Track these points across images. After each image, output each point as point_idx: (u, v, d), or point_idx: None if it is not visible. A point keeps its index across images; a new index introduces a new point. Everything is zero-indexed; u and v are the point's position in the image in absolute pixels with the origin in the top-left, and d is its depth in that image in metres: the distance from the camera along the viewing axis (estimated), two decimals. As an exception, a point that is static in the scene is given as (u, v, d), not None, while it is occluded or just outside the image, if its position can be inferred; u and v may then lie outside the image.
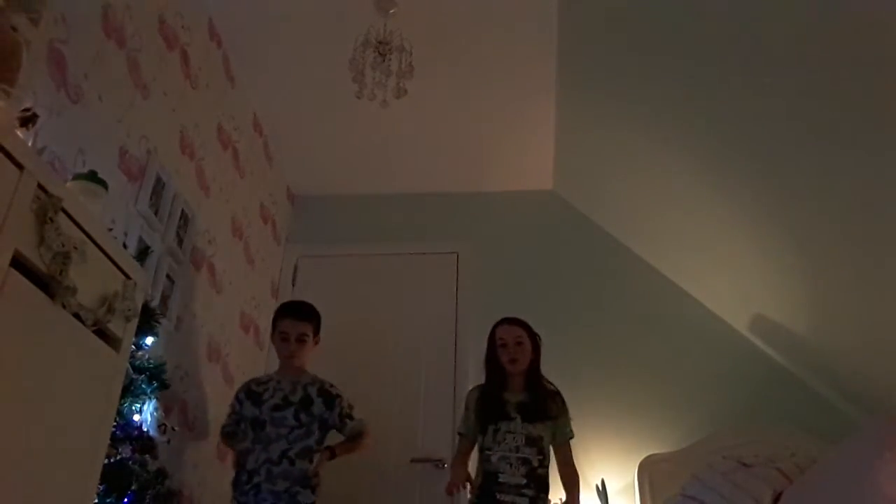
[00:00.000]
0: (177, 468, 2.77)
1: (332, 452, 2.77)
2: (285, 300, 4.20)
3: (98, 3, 2.29)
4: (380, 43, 2.91)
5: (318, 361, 4.27)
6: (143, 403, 2.06)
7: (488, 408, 2.75)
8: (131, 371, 1.94)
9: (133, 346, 1.89)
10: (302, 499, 2.59)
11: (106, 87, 2.34)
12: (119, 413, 1.85)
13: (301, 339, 2.82)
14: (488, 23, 3.20)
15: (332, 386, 2.85)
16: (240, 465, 2.66)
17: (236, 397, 2.83)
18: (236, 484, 2.64)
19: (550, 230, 4.27)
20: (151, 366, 2.12)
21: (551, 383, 2.85)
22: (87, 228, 1.50)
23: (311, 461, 2.65)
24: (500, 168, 4.23)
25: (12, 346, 1.29)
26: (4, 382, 1.27)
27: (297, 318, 2.85)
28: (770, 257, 3.12)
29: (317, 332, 2.90)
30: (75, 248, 1.42)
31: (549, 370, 2.91)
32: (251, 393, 2.79)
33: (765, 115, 2.53)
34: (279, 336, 2.84)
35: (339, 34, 3.14)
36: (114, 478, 1.81)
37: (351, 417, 2.81)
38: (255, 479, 2.58)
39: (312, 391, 2.80)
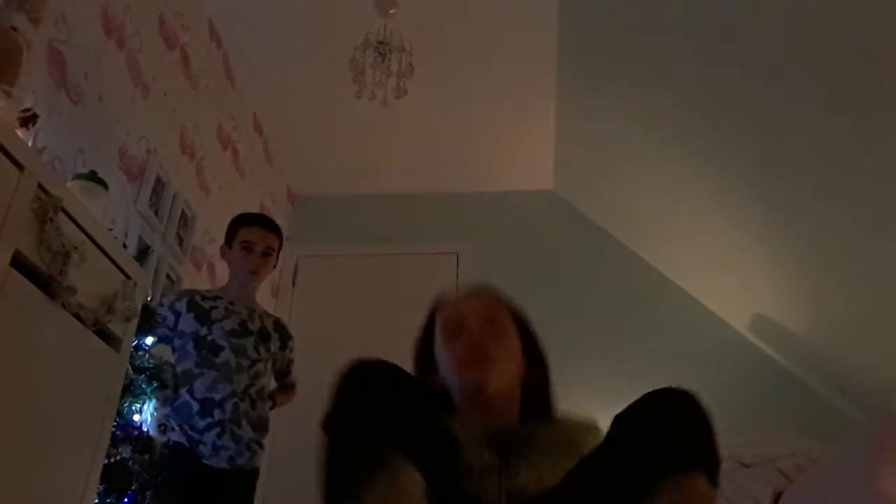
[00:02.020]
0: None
1: (273, 401, 2.43)
2: (285, 301, 4.23)
3: (98, 3, 2.29)
4: (380, 43, 2.91)
5: (316, 361, 4.26)
6: (143, 403, 2.06)
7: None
8: (131, 371, 1.94)
9: (133, 346, 1.89)
10: (257, 461, 2.27)
11: (106, 87, 2.34)
12: (119, 413, 1.85)
13: (267, 253, 2.36)
14: (488, 23, 3.20)
15: (286, 323, 2.51)
16: (179, 387, 2.22)
17: (171, 307, 2.28)
18: (181, 412, 2.17)
19: (550, 230, 4.27)
20: (151, 366, 2.12)
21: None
22: (87, 228, 1.50)
23: (267, 406, 2.34)
24: (500, 168, 4.23)
25: (12, 346, 1.29)
26: (4, 382, 1.27)
27: (265, 227, 2.40)
28: (771, 257, 3.12)
29: (279, 251, 2.45)
30: (75, 248, 1.42)
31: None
32: (195, 305, 2.28)
33: (766, 116, 2.53)
34: (240, 246, 2.34)
35: (339, 34, 3.14)
36: (114, 478, 1.80)
37: (292, 363, 2.51)
38: (218, 415, 2.15)
39: (269, 324, 2.41)
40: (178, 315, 2.27)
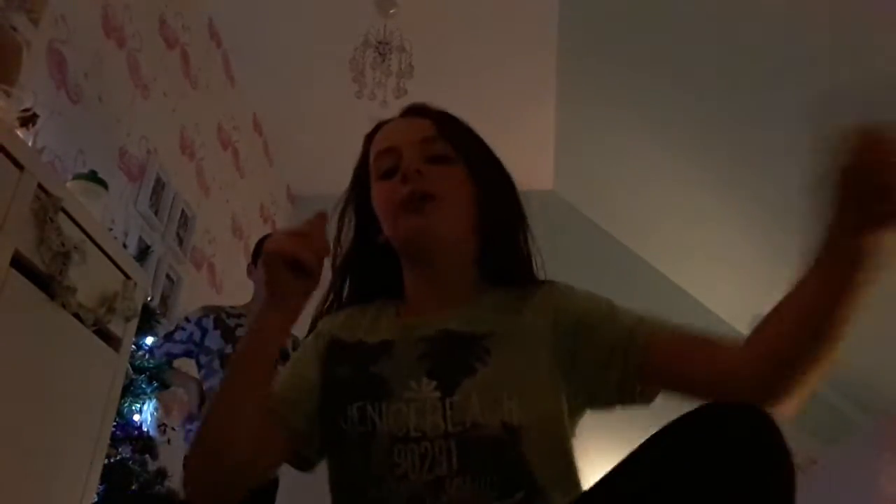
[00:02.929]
0: (177, 468, 2.76)
1: None
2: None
3: (98, 3, 2.29)
4: (380, 43, 2.91)
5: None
6: (143, 403, 2.06)
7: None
8: (131, 371, 1.94)
9: (133, 346, 1.89)
10: (277, 472, 2.37)
11: (106, 87, 2.34)
12: (119, 413, 1.85)
13: None
14: (488, 23, 3.20)
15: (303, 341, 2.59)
16: (204, 404, 2.23)
17: (197, 322, 2.29)
18: None
19: (550, 230, 4.26)
20: (151, 366, 2.12)
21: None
22: (87, 228, 1.50)
23: None
24: (500, 168, 4.23)
25: (12, 346, 1.29)
26: (4, 382, 1.27)
27: None
28: (771, 258, 3.12)
29: None
30: (75, 248, 1.42)
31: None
32: (221, 323, 2.29)
33: (764, 115, 2.53)
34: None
35: (339, 34, 3.14)
36: (114, 478, 1.81)
37: None
38: None
39: (288, 343, 2.41)
40: (204, 331, 2.28)
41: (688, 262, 3.81)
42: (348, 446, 0.79)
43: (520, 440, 0.75)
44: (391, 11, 3.01)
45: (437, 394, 0.77)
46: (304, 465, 0.86)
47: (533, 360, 0.81)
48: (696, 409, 0.66)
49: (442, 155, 0.94)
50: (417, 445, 0.75)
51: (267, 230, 4.08)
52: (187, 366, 2.33)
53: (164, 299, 2.76)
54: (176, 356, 2.27)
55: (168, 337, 2.28)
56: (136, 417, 2.04)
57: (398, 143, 0.94)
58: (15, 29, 1.51)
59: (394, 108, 3.52)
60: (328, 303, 0.95)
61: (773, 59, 2.30)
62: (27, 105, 1.56)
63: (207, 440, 0.77)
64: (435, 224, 0.87)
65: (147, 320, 2.09)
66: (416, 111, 1.03)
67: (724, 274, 3.58)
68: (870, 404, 3.21)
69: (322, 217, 0.78)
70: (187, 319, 2.34)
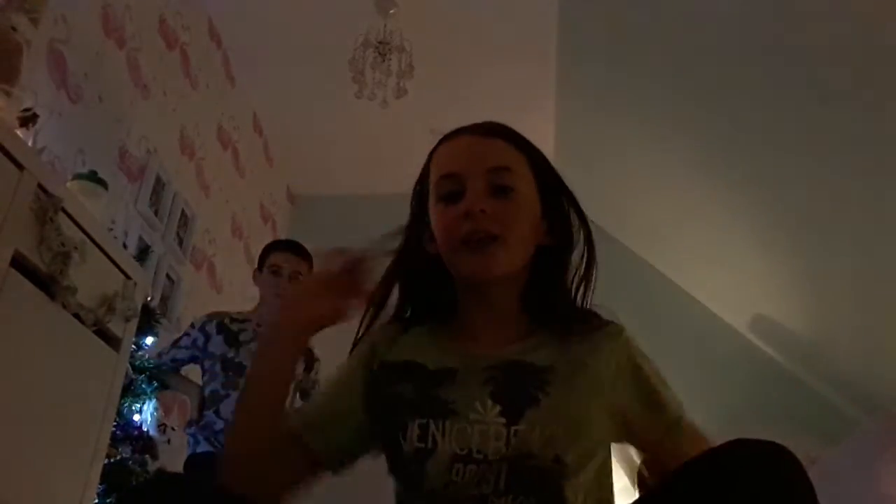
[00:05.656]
0: (177, 468, 2.77)
1: None
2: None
3: (98, 3, 2.30)
4: (380, 43, 2.91)
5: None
6: (143, 403, 2.06)
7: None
8: (131, 371, 1.94)
9: (133, 346, 1.89)
10: None
11: (106, 87, 2.34)
12: (119, 413, 1.85)
13: (294, 277, 2.40)
14: (488, 23, 3.20)
15: (313, 345, 2.48)
16: (205, 408, 2.26)
17: (201, 328, 2.34)
18: (208, 428, 2.22)
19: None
20: (151, 366, 2.12)
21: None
22: (87, 228, 1.50)
23: None
24: (500, 168, 4.22)
25: (12, 346, 1.29)
26: (4, 382, 1.27)
27: (293, 252, 2.43)
28: (770, 257, 3.12)
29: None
30: (75, 248, 1.42)
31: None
32: (224, 328, 2.34)
33: (764, 116, 2.53)
34: (269, 270, 2.40)
35: (339, 34, 3.14)
36: (114, 478, 1.81)
37: (317, 384, 2.51)
38: None
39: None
40: (207, 336, 2.31)
41: (688, 263, 3.81)
42: (404, 461, 0.83)
43: (563, 474, 0.79)
44: (391, 11, 3.01)
45: (503, 420, 0.80)
46: (329, 473, 0.92)
47: (587, 402, 0.85)
48: (723, 445, 0.75)
49: (506, 186, 0.92)
50: (477, 466, 0.79)
51: (267, 230, 4.08)
52: (195, 372, 2.34)
53: (164, 299, 2.77)
54: (182, 361, 2.32)
55: (175, 343, 2.33)
56: (136, 417, 2.04)
57: (463, 171, 0.93)
58: (15, 29, 1.51)
59: (394, 108, 3.52)
60: (370, 319, 0.96)
61: (773, 64, 2.30)
62: (27, 105, 1.56)
63: (230, 452, 0.86)
64: (496, 265, 0.88)
65: (147, 320, 2.10)
66: (485, 130, 1.02)
67: (725, 274, 3.58)
68: (870, 404, 3.21)
69: (351, 258, 0.88)
70: (192, 326, 2.37)
